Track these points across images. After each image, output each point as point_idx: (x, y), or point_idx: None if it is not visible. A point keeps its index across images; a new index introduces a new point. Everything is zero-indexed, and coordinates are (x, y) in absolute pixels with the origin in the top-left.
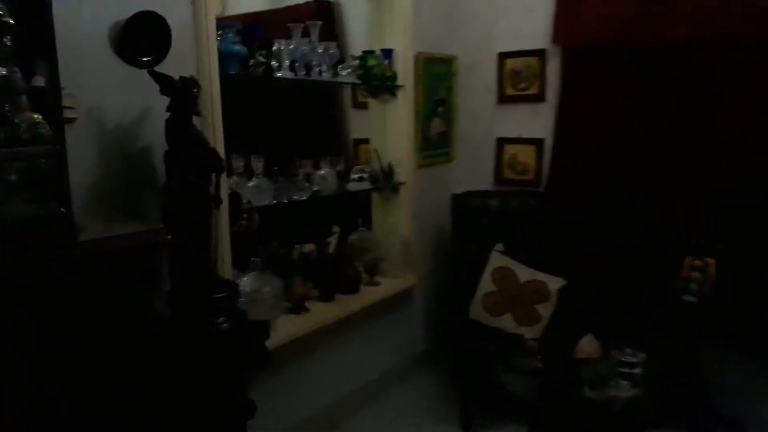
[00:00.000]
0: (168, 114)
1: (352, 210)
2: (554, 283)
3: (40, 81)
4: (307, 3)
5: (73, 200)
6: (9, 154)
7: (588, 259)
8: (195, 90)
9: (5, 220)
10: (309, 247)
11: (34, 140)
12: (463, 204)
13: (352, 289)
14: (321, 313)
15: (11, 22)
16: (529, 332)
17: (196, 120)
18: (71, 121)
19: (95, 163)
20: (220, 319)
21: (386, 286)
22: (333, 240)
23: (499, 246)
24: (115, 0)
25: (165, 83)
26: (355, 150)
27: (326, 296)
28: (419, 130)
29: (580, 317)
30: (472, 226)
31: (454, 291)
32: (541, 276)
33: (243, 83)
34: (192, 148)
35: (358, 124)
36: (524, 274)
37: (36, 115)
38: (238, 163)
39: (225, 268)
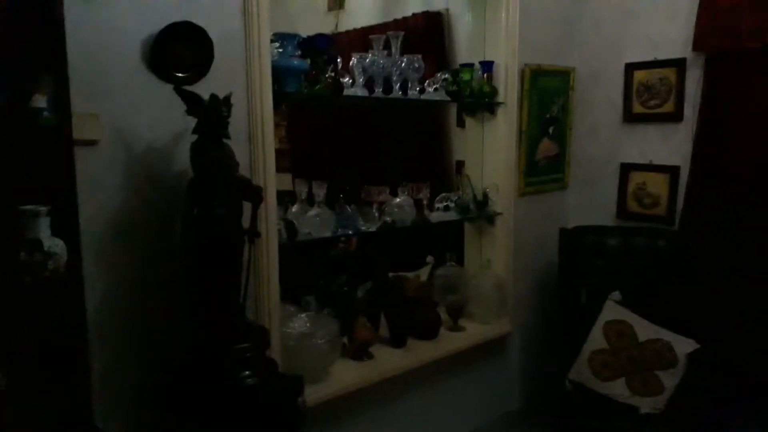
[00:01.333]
0: (195, 137)
1: (446, 240)
2: (683, 346)
3: (39, 101)
4: (415, 15)
5: (93, 229)
6: None
7: (731, 320)
8: (224, 110)
9: None
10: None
11: None
12: (574, 241)
13: (430, 333)
14: (388, 360)
15: None
16: (647, 405)
17: (240, 143)
18: (93, 143)
19: (120, 189)
20: (245, 373)
21: (473, 332)
22: (425, 272)
23: (616, 294)
24: (152, 10)
25: (192, 102)
26: (458, 174)
27: (397, 341)
28: (523, 153)
29: (716, 395)
30: (583, 268)
31: (556, 345)
32: (666, 335)
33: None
34: (218, 175)
35: (462, 145)
36: (645, 331)
37: None
38: (302, 190)
39: (271, 307)
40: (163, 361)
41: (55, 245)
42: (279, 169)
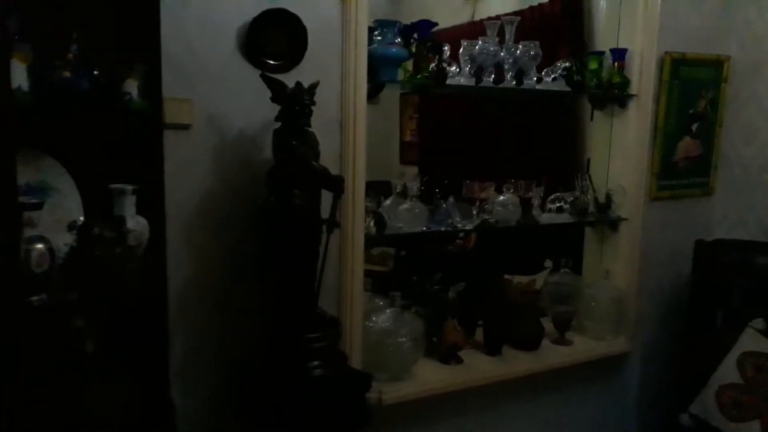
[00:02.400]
0: (278, 124)
1: (566, 245)
2: None
3: (131, 86)
4: (552, 2)
5: (182, 211)
6: None
7: None
8: (307, 99)
9: None
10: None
11: None
12: (712, 255)
13: (531, 344)
14: (479, 367)
15: None
16: None
17: (331, 132)
18: (186, 127)
19: (210, 173)
20: (313, 363)
21: (582, 347)
22: (541, 277)
23: (759, 322)
24: None
25: (276, 89)
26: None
27: (491, 348)
28: (658, 152)
29: None
30: (721, 288)
31: (680, 372)
32: None
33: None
34: (295, 164)
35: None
36: None
37: None
38: (400, 183)
39: (354, 300)
40: (241, 346)
41: (138, 223)
42: (406, 161)
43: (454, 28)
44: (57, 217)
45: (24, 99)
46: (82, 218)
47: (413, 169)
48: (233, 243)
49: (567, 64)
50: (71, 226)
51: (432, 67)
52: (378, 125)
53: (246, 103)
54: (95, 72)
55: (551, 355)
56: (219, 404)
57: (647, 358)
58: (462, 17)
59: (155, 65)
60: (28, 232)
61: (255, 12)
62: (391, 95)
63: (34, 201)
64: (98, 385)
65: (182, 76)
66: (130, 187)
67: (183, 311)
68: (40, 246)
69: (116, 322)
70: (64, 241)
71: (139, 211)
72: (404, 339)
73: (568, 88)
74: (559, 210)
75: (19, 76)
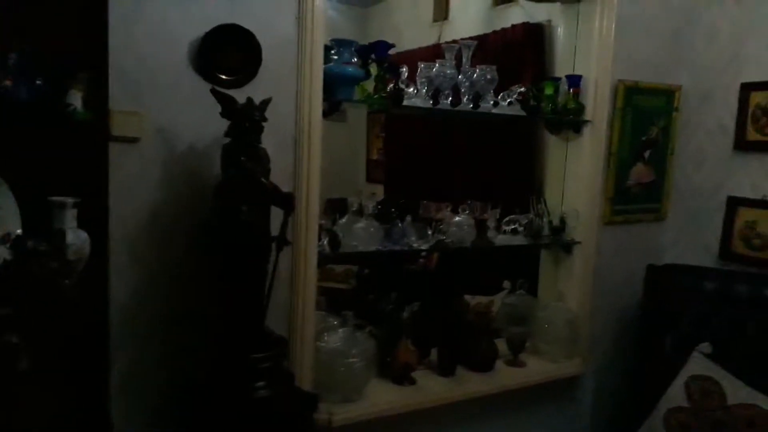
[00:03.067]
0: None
1: (524, 267)
2: None
3: (75, 97)
4: (514, 26)
5: (127, 225)
6: None
7: None
8: (257, 115)
9: None
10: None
11: None
12: (663, 280)
13: (484, 365)
14: (432, 388)
15: None
16: None
17: (286, 149)
18: (134, 140)
19: (158, 186)
20: (259, 384)
21: (537, 369)
22: (499, 298)
23: (705, 346)
24: (202, 12)
25: (226, 104)
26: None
27: (444, 368)
28: (612, 177)
29: None
30: (671, 312)
31: (631, 395)
32: (764, 402)
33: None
34: (243, 180)
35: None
36: (736, 393)
37: None
38: (356, 201)
39: (306, 318)
40: (185, 363)
41: (78, 237)
42: (372, 179)
43: (420, 49)
44: None
45: None
46: (19, 231)
47: (379, 188)
48: (179, 258)
49: (522, 89)
50: (4, 239)
51: (390, 88)
52: (344, 143)
53: (197, 118)
54: (37, 81)
55: (505, 377)
56: (161, 422)
57: (600, 381)
58: (429, 39)
59: (101, 75)
60: None
61: (208, 26)
62: (358, 113)
63: None
64: (32, 402)
65: (131, 88)
66: (70, 200)
67: (126, 327)
68: None
69: (54, 338)
70: None
71: (81, 224)
72: (356, 359)
73: (523, 113)
74: (514, 232)
75: None
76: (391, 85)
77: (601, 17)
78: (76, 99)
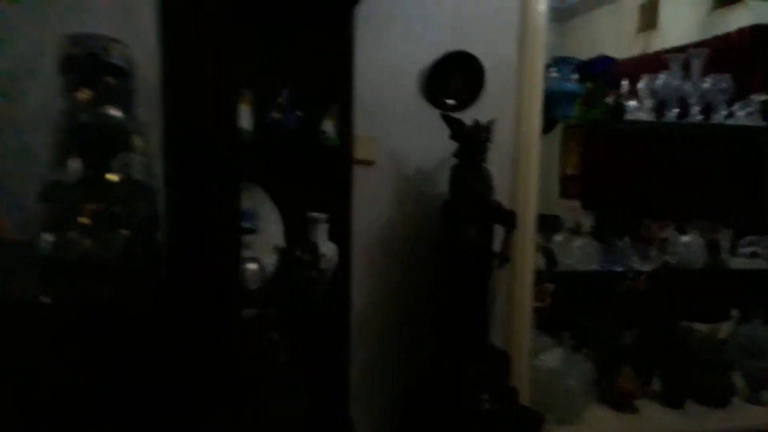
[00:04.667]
0: (455, 161)
1: (758, 293)
2: None
3: (327, 125)
4: (740, 30)
5: (364, 240)
6: (90, 193)
7: None
8: (483, 136)
9: (74, 259)
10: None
11: (126, 182)
12: None
13: (718, 400)
14: (659, 420)
15: (119, 64)
16: None
17: (505, 168)
18: (369, 163)
19: (390, 205)
20: (483, 396)
21: None
22: (726, 327)
23: None
24: (429, 42)
25: (455, 127)
26: None
27: (671, 400)
28: None
29: None
30: None
31: None
32: None
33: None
34: (469, 199)
35: None
36: None
37: (137, 156)
38: (571, 219)
39: (522, 336)
40: (413, 371)
41: (329, 249)
42: (567, 195)
43: (624, 60)
44: (262, 241)
45: (247, 137)
46: (281, 243)
47: (574, 203)
48: (410, 272)
49: (765, 98)
50: (277, 250)
51: (610, 102)
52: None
53: (424, 141)
54: (298, 113)
55: (744, 416)
56: (389, 424)
57: None
58: (634, 49)
59: (348, 106)
60: (244, 253)
61: (436, 55)
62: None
63: (250, 226)
64: (284, 395)
65: (368, 116)
66: (323, 216)
67: (363, 331)
68: (253, 266)
69: (303, 338)
70: (268, 262)
71: (329, 238)
72: (574, 382)
73: (763, 123)
74: (753, 255)
75: (244, 118)
76: (611, 99)
77: None
78: (328, 127)
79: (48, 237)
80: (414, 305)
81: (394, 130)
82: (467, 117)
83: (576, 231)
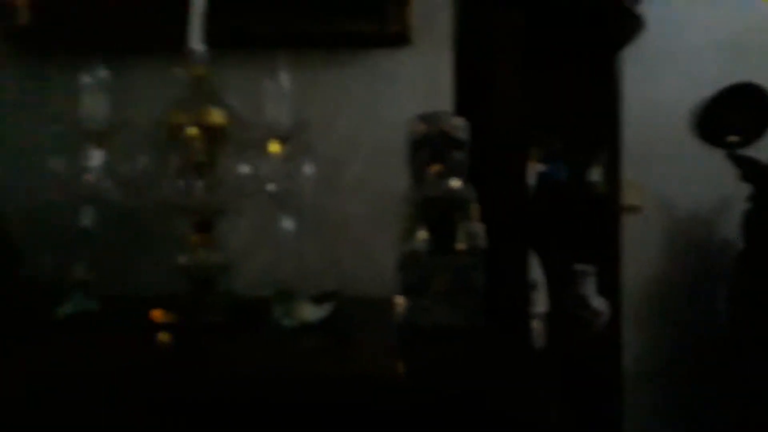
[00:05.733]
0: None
1: None
2: None
3: (594, 173)
4: None
5: (631, 292)
6: (441, 262)
7: None
8: None
9: (428, 325)
10: None
11: (469, 251)
12: None
13: None
14: None
15: (462, 138)
16: None
17: None
18: (636, 209)
19: (658, 253)
20: None
21: None
22: None
23: None
24: (703, 76)
25: (747, 168)
26: None
27: None
28: None
29: None
30: None
31: None
32: None
33: None
34: None
35: None
36: None
37: (477, 224)
38: None
39: None
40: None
41: (600, 303)
42: None
43: None
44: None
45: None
46: (545, 297)
47: None
48: (681, 321)
49: None
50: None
51: None
52: None
53: (697, 183)
54: (565, 164)
55: None
56: None
57: None
58: None
59: (616, 151)
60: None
61: (711, 89)
62: None
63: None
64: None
65: (634, 159)
66: (592, 269)
67: (633, 389)
68: (537, 322)
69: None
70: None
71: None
72: None
73: None
74: None
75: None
76: None
77: None
78: (596, 175)
79: (402, 301)
80: (697, 364)
81: (662, 172)
82: (750, 154)
83: None
